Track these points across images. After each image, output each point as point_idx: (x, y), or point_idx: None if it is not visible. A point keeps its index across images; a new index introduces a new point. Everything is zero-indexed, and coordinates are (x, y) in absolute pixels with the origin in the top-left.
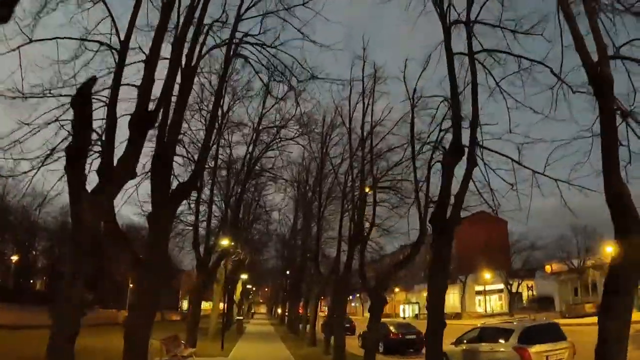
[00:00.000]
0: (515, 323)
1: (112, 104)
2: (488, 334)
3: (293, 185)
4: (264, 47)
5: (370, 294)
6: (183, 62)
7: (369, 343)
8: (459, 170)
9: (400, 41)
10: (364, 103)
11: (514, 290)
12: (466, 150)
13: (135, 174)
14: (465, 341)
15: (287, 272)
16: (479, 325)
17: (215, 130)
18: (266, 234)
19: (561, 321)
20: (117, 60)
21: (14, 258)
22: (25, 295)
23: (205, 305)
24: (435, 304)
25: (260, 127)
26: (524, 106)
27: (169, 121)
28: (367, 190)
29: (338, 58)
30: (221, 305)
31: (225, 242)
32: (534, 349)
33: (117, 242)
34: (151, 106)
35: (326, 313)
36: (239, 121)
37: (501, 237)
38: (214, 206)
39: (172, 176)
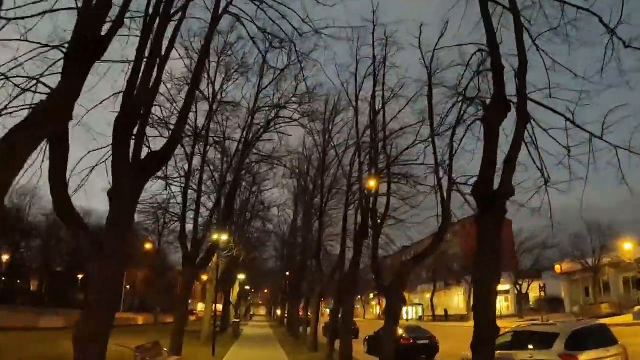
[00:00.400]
0: (558, 325)
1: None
2: (524, 339)
3: (293, 174)
4: None
5: (387, 293)
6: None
7: (386, 350)
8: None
9: (413, 7)
10: (374, 73)
11: (523, 291)
12: (512, 106)
13: (70, 117)
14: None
15: (287, 273)
16: (511, 328)
17: (196, 97)
18: (265, 231)
19: None
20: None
21: (5, 257)
22: (18, 296)
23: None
24: (484, 302)
25: (257, 108)
26: (564, 68)
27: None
28: (377, 180)
29: (347, 18)
30: (214, 306)
31: (215, 235)
32: (584, 356)
33: (67, 221)
34: None
35: (328, 315)
36: (233, 101)
37: (506, 237)
38: (206, 197)
39: (145, 146)
